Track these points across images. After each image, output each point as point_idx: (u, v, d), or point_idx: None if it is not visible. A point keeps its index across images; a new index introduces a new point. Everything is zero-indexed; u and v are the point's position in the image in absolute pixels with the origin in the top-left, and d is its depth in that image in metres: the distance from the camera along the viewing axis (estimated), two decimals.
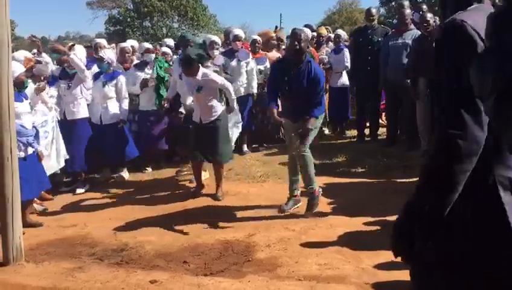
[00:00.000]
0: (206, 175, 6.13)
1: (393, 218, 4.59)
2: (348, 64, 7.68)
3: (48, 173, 5.15)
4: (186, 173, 6.30)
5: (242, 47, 7.26)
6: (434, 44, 5.72)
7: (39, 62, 5.99)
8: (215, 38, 7.20)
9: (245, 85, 7.06)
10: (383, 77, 6.84)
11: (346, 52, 7.71)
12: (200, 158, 5.36)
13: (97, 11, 41.33)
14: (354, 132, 7.99)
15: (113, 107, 6.09)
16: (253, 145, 7.44)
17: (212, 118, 5.25)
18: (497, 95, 1.48)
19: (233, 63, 6.96)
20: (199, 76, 5.10)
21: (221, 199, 5.34)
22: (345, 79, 7.80)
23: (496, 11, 1.63)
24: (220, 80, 5.25)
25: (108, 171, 6.49)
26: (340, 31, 8.35)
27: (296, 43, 4.55)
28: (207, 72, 5.21)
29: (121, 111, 6.14)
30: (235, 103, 5.58)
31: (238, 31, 7.36)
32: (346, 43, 8.23)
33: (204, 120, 5.26)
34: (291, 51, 4.72)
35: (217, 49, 6.87)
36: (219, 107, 5.30)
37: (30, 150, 4.65)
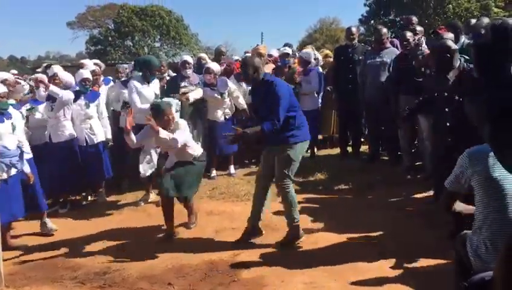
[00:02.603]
0: (152, 197, 6.11)
1: (377, 234, 4.66)
2: (317, 86, 7.43)
3: None
4: (144, 201, 6.12)
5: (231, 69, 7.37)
6: (413, 62, 5.83)
7: (18, 82, 5.94)
8: (187, 57, 7.20)
9: (226, 110, 7.03)
10: (361, 94, 6.91)
11: (315, 73, 7.46)
12: (171, 194, 4.76)
13: (78, 31, 41.27)
14: (337, 150, 8.03)
15: (97, 127, 6.07)
16: (236, 166, 7.40)
17: (189, 159, 4.92)
18: (491, 121, 1.53)
19: (216, 94, 6.80)
20: (173, 124, 4.80)
21: (192, 227, 5.05)
22: (315, 101, 7.50)
23: (481, 43, 1.67)
24: (183, 140, 4.77)
25: (89, 192, 6.43)
26: (305, 51, 7.94)
27: (245, 70, 4.51)
28: (179, 125, 4.86)
29: (105, 130, 6.16)
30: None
31: (211, 64, 7.05)
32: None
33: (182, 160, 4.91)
34: (243, 76, 4.74)
35: (190, 68, 6.87)
36: (197, 149, 5.04)
37: (13, 171, 4.57)
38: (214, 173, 7.03)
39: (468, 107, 1.81)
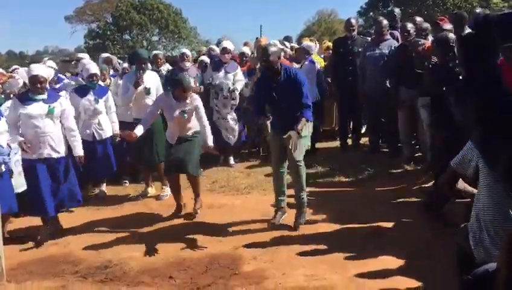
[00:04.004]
0: (152, 191, 6.14)
1: (378, 226, 4.67)
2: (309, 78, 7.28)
3: (19, 190, 5.02)
4: (150, 194, 6.16)
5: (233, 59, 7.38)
6: (413, 53, 5.81)
7: (12, 77, 5.91)
8: (185, 50, 7.35)
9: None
10: (361, 87, 6.89)
11: (307, 66, 7.27)
12: (174, 170, 5.18)
13: (76, 25, 41.12)
14: (336, 142, 8.01)
15: (105, 122, 6.04)
16: (236, 160, 7.43)
17: (189, 133, 5.16)
18: (481, 123, 1.52)
19: (221, 74, 7.02)
20: (189, 99, 5.03)
21: (197, 215, 5.15)
22: (312, 94, 6.91)
23: (465, 36, 1.68)
24: (201, 104, 5.15)
25: (90, 187, 6.42)
26: (305, 43, 7.89)
27: (265, 58, 4.53)
28: (194, 95, 5.16)
29: (113, 125, 6.13)
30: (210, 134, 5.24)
31: (226, 43, 7.41)
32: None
33: (183, 135, 5.15)
34: (263, 68, 4.71)
35: (188, 61, 6.95)
36: (197, 124, 5.20)
37: (3, 168, 4.56)
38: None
39: (456, 109, 1.82)
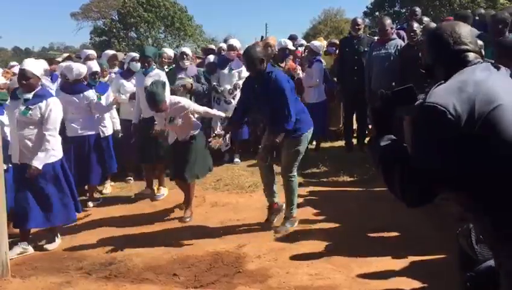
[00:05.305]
0: (166, 192, 6.08)
1: (382, 225, 4.65)
2: (317, 80, 7.34)
3: None
4: (148, 194, 6.07)
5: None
6: (420, 53, 5.80)
7: (15, 74, 5.93)
8: (186, 49, 7.43)
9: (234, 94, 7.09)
10: (368, 87, 6.88)
11: (317, 66, 7.38)
12: (173, 177, 5.08)
13: (82, 22, 41.21)
14: (341, 142, 8.00)
15: (107, 119, 6.05)
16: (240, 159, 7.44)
17: (188, 136, 5.02)
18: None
19: (225, 70, 7.13)
20: (168, 108, 4.81)
21: (188, 221, 4.99)
22: (319, 94, 7.41)
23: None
24: (188, 104, 4.95)
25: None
26: (314, 43, 7.94)
27: (252, 63, 4.38)
28: (174, 99, 4.93)
29: (114, 121, 6.15)
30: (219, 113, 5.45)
31: (233, 41, 7.51)
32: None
33: (181, 139, 5.03)
34: (248, 69, 4.61)
35: (188, 59, 6.96)
36: (196, 125, 5.12)
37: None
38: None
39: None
